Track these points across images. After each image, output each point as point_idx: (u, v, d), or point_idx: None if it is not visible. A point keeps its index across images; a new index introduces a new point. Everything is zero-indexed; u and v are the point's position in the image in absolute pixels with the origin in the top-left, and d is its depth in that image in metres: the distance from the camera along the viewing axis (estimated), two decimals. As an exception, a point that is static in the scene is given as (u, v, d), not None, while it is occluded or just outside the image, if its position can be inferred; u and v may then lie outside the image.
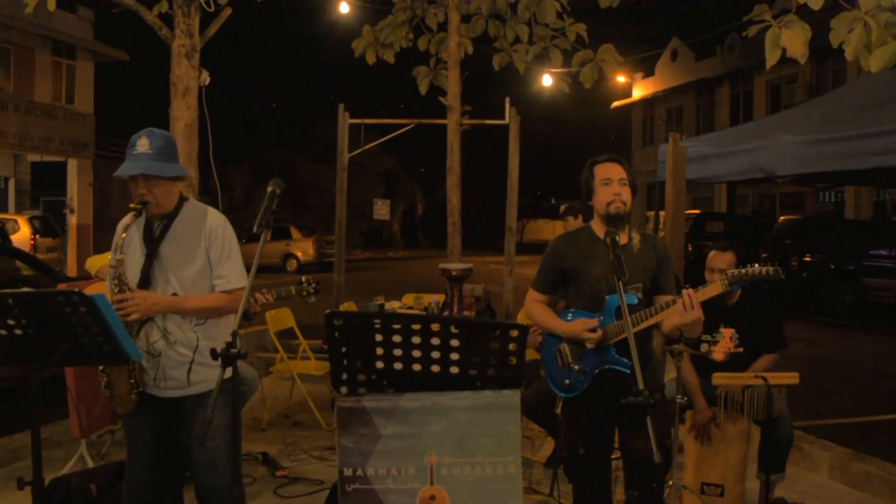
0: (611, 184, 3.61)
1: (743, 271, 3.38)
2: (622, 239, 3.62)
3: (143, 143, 3.41)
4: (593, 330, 3.55)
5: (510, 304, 8.96)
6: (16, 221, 20.58)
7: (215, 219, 3.57)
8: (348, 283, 9.65)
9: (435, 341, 2.78)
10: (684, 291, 3.35)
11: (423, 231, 46.26)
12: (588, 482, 3.77)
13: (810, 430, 6.23)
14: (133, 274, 3.46)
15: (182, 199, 3.58)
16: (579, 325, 3.60)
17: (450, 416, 2.81)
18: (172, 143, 3.55)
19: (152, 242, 3.49)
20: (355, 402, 2.85)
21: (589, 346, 3.58)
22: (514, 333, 2.79)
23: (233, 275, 3.53)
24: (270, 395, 7.26)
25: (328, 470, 5.64)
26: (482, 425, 2.80)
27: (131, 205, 3.42)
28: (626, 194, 3.62)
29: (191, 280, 3.48)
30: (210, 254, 3.51)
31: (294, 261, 28.04)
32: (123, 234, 3.42)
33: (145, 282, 3.45)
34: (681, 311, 3.33)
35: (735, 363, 4.80)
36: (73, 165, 24.28)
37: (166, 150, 3.46)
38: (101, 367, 3.44)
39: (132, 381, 3.42)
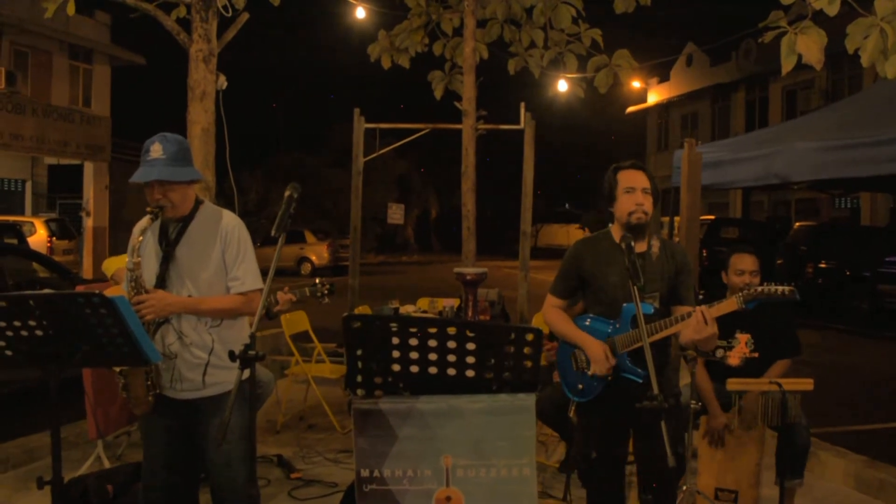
0: (634, 193, 3.61)
1: (760, 289, 3.38)
2: (642, 246, 3.63)
3: (156, 149, 3.43)
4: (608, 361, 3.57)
5: (525, 308, 8.97)
6: (32, 224, 20.70)
7: (230, 221, 3.59)
8: (362, 286, 9.68)
9: (451, 345, 2.80)
10: (698, 308, 3.35)
11: (436, 235, 46.26)
12: (601, 486, 3.78)
13: (825, 436, 6.21)
14: (149, 277, 3.49)
15: (198, 202, 3.61)
16: (601, 352, 3.58)
17: (465, 418, 2.83)
18: (186, 146, 3.57)
19: (168, 245, 3.51)
20: (372, 404, 2.88)
21: (591, 370, 3.60)
22: (530, 337, 2.81)
23: (248, 276, 3.55)
24: (285, 398, 7.28)
25: (343, 472, 5.66)
26: (497, 428, 2.82)
27: (148, 208, 3.45)
28: (648, 204, 3.62)
29: (206, 282, 3.50)
30: (225, 256, 3.53)
31: (308, 264, 28.13)
32: (140, 237, 3.46)
33: (161, 284, 3.47)
34: (695, 326, 3.33)
35: (750, 368, 4.79)
36: (89, 168, 24.42)
37: (179, 155, 3.48)
38: (118, 369, 3.47)
39: (149, 382, 3.45)
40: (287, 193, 3.20)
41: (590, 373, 3.62)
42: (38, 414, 6.20)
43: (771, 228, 22.01)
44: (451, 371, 2.85)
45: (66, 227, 22.13)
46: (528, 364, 2.83)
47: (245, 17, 6.60)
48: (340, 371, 7.12)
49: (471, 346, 2.80)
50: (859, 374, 10.19)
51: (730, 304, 3.40)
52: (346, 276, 9.66)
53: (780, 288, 3.34)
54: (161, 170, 3.40)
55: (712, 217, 21.80)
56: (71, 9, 6.31)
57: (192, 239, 3.53)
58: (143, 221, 3.48)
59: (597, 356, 3.58)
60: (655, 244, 3.70)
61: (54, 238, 20.72)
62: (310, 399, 7.44)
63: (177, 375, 3.48)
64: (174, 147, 3.46)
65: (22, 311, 2.93)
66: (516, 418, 2.83)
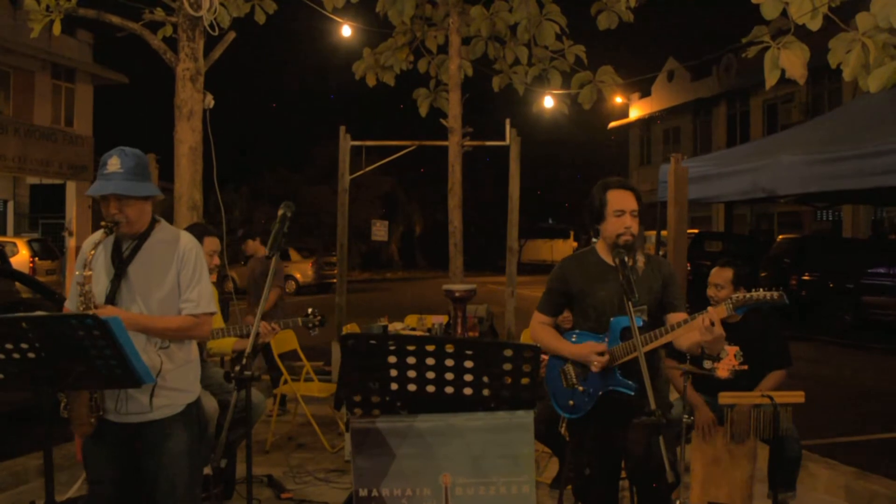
0: (623, 216, 3.63)
1: (748, 296, 3.40)
2: (628, 261, 3.65)
3: (113, 163, 3.34)
4: (601, 353, 3.56)
5: (512, 324, 8.97)
6: (15, 244, 20.57)
7: (188, 242, 3.53)
8: (348, 304, 9.64)
9: (449, 363, 2.80)
10: (709, 309, 3.37)
11: (421, 252, 46.26)
12: (596, 502, 3.78)
13: (814, 448, 6.22)
14: (98, 292, 3.39)
15: (154, 220, 3.54)
16: (587, 349, 3.60)
17: (464, 436, 2.83)
18: (144, 161, 3.47)
19: (121, 262, 3.42)
20: (370, 423, 2.87)
21: (593, 369, 3.59)
22: (528, 354, 2.81)
23: (201, 299, 3.48)
24: (274, 417, 7.24)
25: (333, 492, 5.63)
26: (496, 446, 2.82)
27: (102, 223, 3.37)
28: (635, 226, 3.65)
29: (158, 302, 3.41)
30: (181, 277, 3.46)
31: (293, 282, 27.96)
32: (93, 251, 3.34)
33: (111, 301, 3.39)
34: (701, 329, 3.34)
35: (740, 381, 4.81)
36: (71, 188, 24.33)
37: (137, 170, 3.38)
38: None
39: (92, 403, 3.32)
40: (281, 212, 3.18)
41: (593, 368, 3.60)
42: (22, 437, 6.13)
43: (754, 241, 22.13)
44: (449, 389, 2.85)
45: (48, 248, 22.00)
46: (526, 381, 2.84)
47: (231, 35, 6.61)
48: (329, 389, 7.08)
49: (468, 363, 2.80)
50: (845, 386, 10.24)
51: (719, 311, 3.41)
52: (331, 293, 9.61)
53: (768, 293, 3.37)
54: (118, 184, 3.31)
55: (695, 231, 21.90)
56: (57, 28, 6.32)
57: (146, 257, 3.44)
58: (97, 235, 3.38)
59: (585, 353, 3.59)
60: (640, 259, 3.73)
61: (37, 258, 20.61)
62: (298, 418, 7.40)
63: (123, 396, 3.36)
64: (132, 161, 3.37)
65: (15, 333, 2.90)
66: (515, 435, 2.83)
